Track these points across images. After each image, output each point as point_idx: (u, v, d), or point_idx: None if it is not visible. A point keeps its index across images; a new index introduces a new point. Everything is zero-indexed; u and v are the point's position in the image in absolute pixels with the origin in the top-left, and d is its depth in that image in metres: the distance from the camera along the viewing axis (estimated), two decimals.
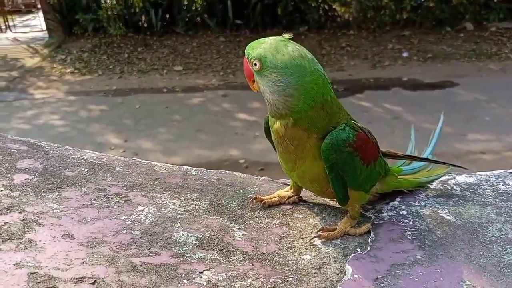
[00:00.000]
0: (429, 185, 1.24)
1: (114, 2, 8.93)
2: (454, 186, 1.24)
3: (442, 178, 1.27)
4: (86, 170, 1.18)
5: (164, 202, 1.08)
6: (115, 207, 1.04)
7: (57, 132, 5.14)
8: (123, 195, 1.08)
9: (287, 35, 0.94)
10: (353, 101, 5.75)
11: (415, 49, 7.98)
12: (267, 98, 0.93)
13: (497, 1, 9.00)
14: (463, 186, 1.24)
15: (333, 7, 9.35)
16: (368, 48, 8.05)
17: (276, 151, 1.07)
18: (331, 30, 8.82)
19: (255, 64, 0.92)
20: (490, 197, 1.18)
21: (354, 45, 8.12)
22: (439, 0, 8.75)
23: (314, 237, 1.00)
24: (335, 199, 1.15)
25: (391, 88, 6.52)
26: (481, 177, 1.27)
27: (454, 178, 1.28)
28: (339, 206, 1.14)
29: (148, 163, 1.26)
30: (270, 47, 0.91)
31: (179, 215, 1.04)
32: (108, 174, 1.17)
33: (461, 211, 1.12)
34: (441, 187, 1.24)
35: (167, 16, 8.84)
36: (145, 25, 8.85)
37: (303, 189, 1.16)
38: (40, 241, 0.91)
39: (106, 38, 8.63)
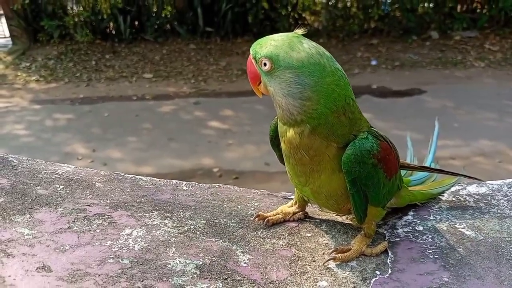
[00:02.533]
0: (440, 197, 1.16)
1: (81, 8, 8.65)
2: (467, 197, 1.16)
3: (453, 189, 1.19)
4: (61, 187, 1.02)
5: (155, 223, 0.94)
6: (97, 230, 0.89)
7: (21, 143, 4.84)
8: (106, 216, 0.93)
9: (299, 31, 0.82)
10: None
11: (383, 57, 8.09)
12: (279, 103, 0.81)
13: (460, 11, 9.29)
14: (475, 197, 1.16)
15: (303, 15, 9.38)
16: (338, 56, 8.09)
17: (283, 163, 0.96)
18: None
19: (265, 64, 0.80)
20: (506, 208, 1.10)
21: None
22: (406, 10, 8.94)
23: (329, 259, 0.89)
24: (348, 216, 1.04)
25: (361, 95, 6.55)
26: (493, 187, 1.20)
27: (465, 188, 1.20)
28: (349, 222, 1.04)
29: (132, 177, 1.12)
30: (282, 44, 0.79)
31: (173, 238, 0.90)
32: (88, 191, 1.02)
33: (479, 225, 1.03)
34: (454, 199, 1.15)
35: (136, 23, 8.62)
36: (113, 32, 8.58)
37: (309, 203, 1.05)
38: (9, 276, 0.75)
39: (72, 45, 8.31)
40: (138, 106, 6.00)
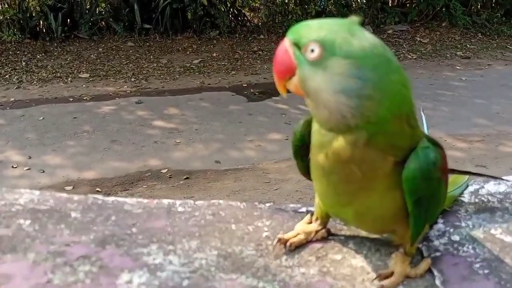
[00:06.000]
0: (461, 198, 1.06)
1: (7, 6, 7.93)
2: (489, 197, 1.07)
3: (471, 188, 1.09)
4: (28, 222, 0.79)
5: (157, 262, 0.74)
6: (87, 280, 0.67)
7: None
8: (94, 258, 0.72)
9: (356, 18, 0.66)
10: (270, 104, 5.67)
11: None
12: (325, 101, 0.63)
13: (392, 6, 9.66)
14: (497, 196, 1.07)
15: (243, 12, 9.29)
16: None
17: (306, 176, 0.80)
18: (242, 35, 8.73)
19: (312, 51, 0.63)
20: None
21: (265, 49, 8.11)
22: (341, 5, 9.13)
23: None
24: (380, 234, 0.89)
25: None
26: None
27: (483, 187, 1.11)
28: (376, 237, 0.90)
29: (114, 200, 0.90)
30: (339, 29, 0.63)
31: (186, 281, 0.71)
32: (63, 225, 0.79)
33: None
34: (476, 200, 1.06)
35: (68, 20, 8.05)
36: (44, 30, 7.97)
37: (330, 218, 0.89)
38: None
39: None
40: (75, 108, 5.61)
